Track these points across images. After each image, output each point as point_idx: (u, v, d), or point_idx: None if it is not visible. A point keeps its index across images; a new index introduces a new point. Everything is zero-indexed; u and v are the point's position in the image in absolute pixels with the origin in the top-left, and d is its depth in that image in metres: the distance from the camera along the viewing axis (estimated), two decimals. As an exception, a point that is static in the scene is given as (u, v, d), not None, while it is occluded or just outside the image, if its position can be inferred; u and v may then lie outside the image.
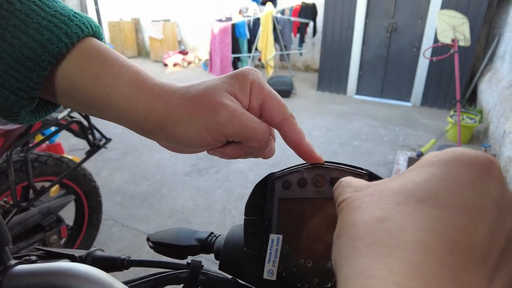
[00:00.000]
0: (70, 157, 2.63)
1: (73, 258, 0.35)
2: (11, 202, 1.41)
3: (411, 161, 3.06)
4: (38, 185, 1.54)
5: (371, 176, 0.30)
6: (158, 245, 0.42)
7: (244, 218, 0.34)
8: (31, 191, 1.48)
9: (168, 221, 2.43)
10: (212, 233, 0.42)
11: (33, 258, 0.32)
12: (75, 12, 0.30)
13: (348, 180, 0.25)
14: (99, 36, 0.32)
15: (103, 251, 0.37)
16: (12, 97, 0.28)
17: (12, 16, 0.27)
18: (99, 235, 1.99)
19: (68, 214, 1.85)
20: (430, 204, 0.17)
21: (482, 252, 0.16)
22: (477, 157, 0.19)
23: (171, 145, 0.31)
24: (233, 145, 0.32)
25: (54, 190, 2.40)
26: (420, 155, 3.06)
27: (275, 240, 0.31)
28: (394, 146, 3.83)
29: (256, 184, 0.34)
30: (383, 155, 3.58)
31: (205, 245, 0.40)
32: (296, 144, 0.32)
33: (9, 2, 0.27)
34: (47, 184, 1.55)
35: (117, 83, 0.29)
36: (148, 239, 0.43)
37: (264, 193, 0.33)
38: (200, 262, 0.37)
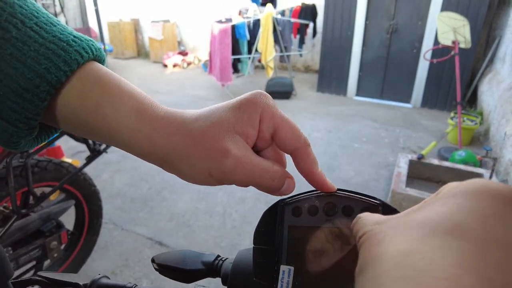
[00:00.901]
0: (70, 160, 2.62)
1: (77, 287, 0.34)
2: (11, 208, 1.40)
3: (411, 164, 3.06)
4: (39, 190, 1.53)
5: (385, 206, 0.30)
6: (163, 268, 0.41)
7: (253, 247, 0.33)
8: (31, 197, 1.47)
9: (169, 224, 2.42)
10: (218, 256, 0.41)
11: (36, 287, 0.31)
12: (74, 36, 0.28)
13: (367, 215, 0.24)
14: (100, 59, 0.31)
15: (108, 278, 0.36)
16: (11, 128, 0.26)
17: (8, 44, 0.25)
18: (99, 239, 1.98)
19: (69, 219, 1.84)
20: (458, 236, 0.17)
21: None
22: (502, 190, 0.18)
23: (177, 175, 0.31)
24: None
25: (54, 194, 2.39)
26: (421, 157, 3.06)
27: (286, 272, 0.30)
28: (394, 148, 3.83)
29: (266, 211, 0.33)
30: (383, 157, 3.57)
31: (212, 268, 0.40)
32: (308, 174, 0.31)
33: (5, 29, 0.25)
34: (47, 189, 1.54)
35: (118, 114, 0.28)
36: (153, 261, 0.42)
37: (273, 220, 0.33)
38: (208, 290, 0.36)
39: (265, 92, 0.31)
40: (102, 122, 0.28)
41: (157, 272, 0.42)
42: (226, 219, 2.49)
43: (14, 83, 0.25)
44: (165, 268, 0.41)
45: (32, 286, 0.31)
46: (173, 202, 2.68)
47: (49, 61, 0.26)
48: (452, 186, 0.20)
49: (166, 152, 0.28)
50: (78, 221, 1.83)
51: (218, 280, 0.39)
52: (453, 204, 0.19)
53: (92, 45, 0.29)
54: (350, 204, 0.30)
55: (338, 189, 0.32)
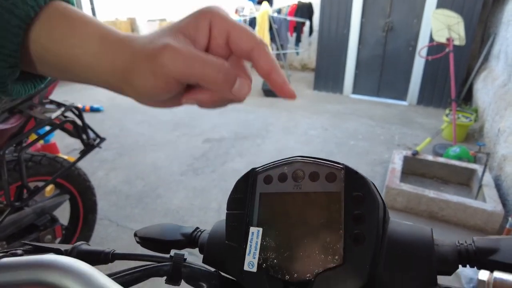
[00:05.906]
0: (65, 156, 2.62)
1: (58, 252, 0.35)
2: (5, 202, 1.41)
3: (406, 160, 3.08)
4: (33, 184, 1.53)
5: (348, 170, 0.31)
6: (144, 240, 0.43)
7: (226, 212, 0.34)
8: (24, 191, 1.48)
9: (164, 220, 2.43)
10: (197, 228, 0.42)
11: (19, 252, 0.33)
12: None
13: None
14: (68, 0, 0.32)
15: (88, 245, 0.38)
16: None
17: None
18: (94, 235, 1.99)
19: (65, 213, 1.85)
20: None
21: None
22: None
23: (138, 98, 0.31)
24: (200, 90, 0.30)
25: (49, 189, 2.39)
26: (415, 154, 3.08)
27: (255, 233, 0.32)
28: (390, 145, 3.85)
29: (239, 179, 0.35)
30: (379, 154, 3.60)
31: (190, 239, 0.41)
32: (267, 73, 0.29)
33: None
34: (41, 184, 1.55)
35: (84, 41, 0.29)
36: (135, 234, 0.44)
37: (246, 188, 0.34)
38: (183, 255, 0.38)
39: (218, 6, 0.31)
40: (70, 52, 0.29)
41: None
42: (221, 215, 2.50)
43: None
44: (146, 240, 0.42)
45: (15, 250, 0.33)
46: (168, 199, 2.69)
47: None
48: None
49: (125, 66, 0.29)
50: (73, 216, 1.84)
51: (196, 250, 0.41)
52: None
53: None
54: (316, 169, 0.32)
55: (303, 156, 0.33)
